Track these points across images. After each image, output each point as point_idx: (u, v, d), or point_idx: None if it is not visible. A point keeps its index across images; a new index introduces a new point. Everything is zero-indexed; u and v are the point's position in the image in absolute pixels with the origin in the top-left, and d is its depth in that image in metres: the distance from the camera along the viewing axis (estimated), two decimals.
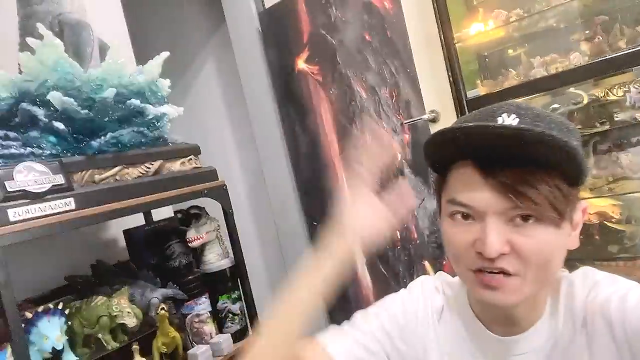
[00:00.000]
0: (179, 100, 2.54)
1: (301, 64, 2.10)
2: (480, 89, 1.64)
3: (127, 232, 1.32)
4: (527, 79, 1.53)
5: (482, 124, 0.49)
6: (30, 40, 0.90)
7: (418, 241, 1.86)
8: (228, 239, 1.30)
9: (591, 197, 1.48)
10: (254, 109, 2.29)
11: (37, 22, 0.94)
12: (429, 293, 0.65)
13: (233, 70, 2.37)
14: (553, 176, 0.48)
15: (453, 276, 0.67)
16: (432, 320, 0.62)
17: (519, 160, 0.48)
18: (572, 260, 0.54)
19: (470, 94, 1.62)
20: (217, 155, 2.46)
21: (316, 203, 2.15)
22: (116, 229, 1.38)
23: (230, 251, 1.31)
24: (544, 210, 0.48)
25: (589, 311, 0.52)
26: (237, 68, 2.31)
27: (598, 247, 1.51)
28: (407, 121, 1.80)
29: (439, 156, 0.55)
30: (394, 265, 1.93)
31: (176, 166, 1.19)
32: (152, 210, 1.43)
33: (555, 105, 1.56)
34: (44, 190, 0.89)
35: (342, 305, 2.14)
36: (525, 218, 0.49)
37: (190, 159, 1.22)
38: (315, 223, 2.17)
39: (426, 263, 1.86)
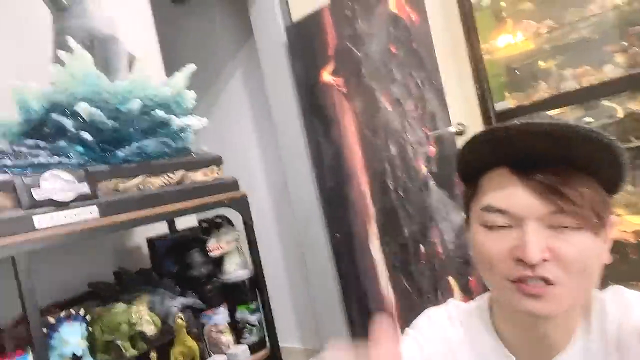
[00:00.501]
0: (206, 112, 2.60)
1: (326, 76, 2.11)
2: (510, 102, 1.61)
3: (150, 241, 1.35)
4: (558, 92, 1.48)
5: (527, 121, 0.47)
6: (61, 53, 0.94)
7: (443, 256, 1.81)
8: (248, 249, 1.31)
9: (627, 215, 1.41)
10: (279, 121, 2.31)
11: (69, 36, 0.98)
12: (439, 327, 0.61)
13: (260, 82, 2.41)
14: (591, 180, 0.47)
15: (465, 300, 0.64)
16: (449, 357, 0.58)
17: (558, 162, 0.47)
18: (606, 280, 0.52)
19: (499, 106, 1.58)
20: (242, 166, 2.49)
21: (339, 214, 2.14)
22: (140, 237, 1.40)
23: (250, 262, 1.31)
24: (585, 215, 0.46)
25: (623, 333, 0.50)
26: (264, 80, 2.35)
27: (634, 267, 1.43)
28: (432, 133, 1.78)
29: (474, 160, 0.53)
30: (417, 280, 1.89)
31: (198, 176, 1.20)
32: (177, 220, 1.46)
33: (589, 119, 1.51)
34: (69, 198, 0.92)
35: (365, 321, 2.11)
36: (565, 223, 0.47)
37: (213, 169, 1.24)
38: (338, 235, 2.16)
39: (451, 279, 1.80)
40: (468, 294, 1.74)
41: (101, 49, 1.09)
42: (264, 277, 1.30)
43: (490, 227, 0.50)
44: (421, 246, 1.86)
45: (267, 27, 2.28)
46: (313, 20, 2.11)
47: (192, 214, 1.21)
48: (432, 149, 1.80)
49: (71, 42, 0.95)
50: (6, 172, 0.87)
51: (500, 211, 0.49)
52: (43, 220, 0.87)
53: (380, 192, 1.98)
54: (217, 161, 1.28)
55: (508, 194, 0.49)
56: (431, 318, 0.62)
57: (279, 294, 2.47)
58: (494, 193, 0.50)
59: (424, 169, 1.83)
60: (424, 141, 1.82)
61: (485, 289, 0.57)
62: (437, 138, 1.77)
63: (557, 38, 1.59)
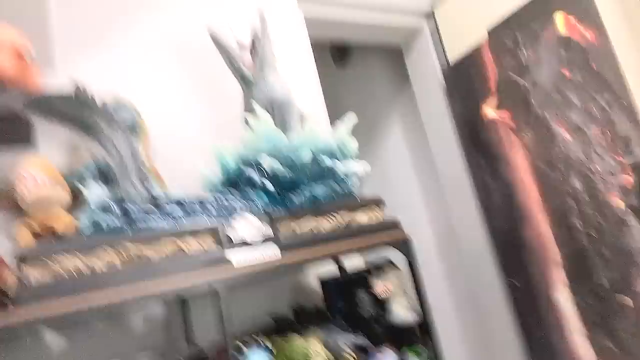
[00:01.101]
0: (369, 157, 2.72)
1: (490, 111, 2.02)
2: None
3: (321, 280, 1.44)
4: None
5: None
6: (248, 116, 1.14)
7: None
8: (414, 292, 1.29)
9: None
10: (441, 162, 2.28)
11: (254, 102, 1.19)
12: None
13: (418, 126, 2.44)
14: None
15: None
16: None
17: None
18: None
19: None
20: (405, 208, 2.50)
21: (514, 259, 1.95)
22: (311, 276, 1.52)
23: (417, 305, 1.28)
24: None
25: None
26: (422, 123, 2.37)
27: None
28: (628, 160, 1.51)
29: None
30: (623, 338, 1.56)
31: (362, 218, 1.26)
32: (345, 260, 1.53)
33: None
34: (256, 239, 1.06)
35: None
36: None
37: (375, 211, 1.28)
38: (517, 283, 1.94)
39: None
40: None
41: (279, 111, 1.27)
42: (431, 320, 1.25)
43: None
44: (624, 297, 1.55)
45: (424, 71, 2.33)
46: (471, 58, 2.07)
47: (356, 253, 1.27)
48: (628, 179, 1.53)
49: (256, 107, 1.15)
50: (210, 217, 1.07)
51: None
52: (236, 258, 1.02)
53: (565, 232, 1.75)
54: (379, 203, 1.32)
55: None
56: None
57: (450, 341, 2.32)
58: None
59: (619, 204, 1.56)
60: (616, 170, 1.56)
61: None
62: (634, 165, 1.50)
63: None
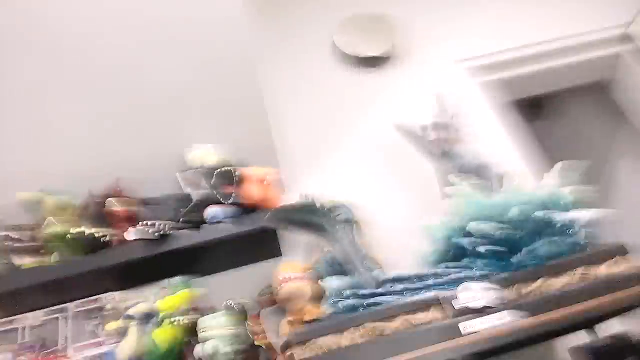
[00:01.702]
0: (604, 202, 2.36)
1: None
2: None
3: (573, 350, 1.26)
4: None
5: None
6: (447, 189, 1.21)
7: None
8: None
9: None
10: None
11: (450, 174, 1.26)
12: None
13: None
14: None
15: None
16: None
17: None
18: None
19: None
20: None
21: None
22: (561, 346, 1.34)
23: None
24: None
25: None
26: None
27: None
28: None
29: None
30: None
31: (603, 270, 1.10)
32: (598, 324, 1.32)
33: None
34: (481, 305, 1.05)
35: None
36: None
37: (618, 260, 1.11)
38: None
39: None
40: None
41: (477, 175, 1.30)
42: None
43: None
44: None
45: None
46: None
47: (606, 313, 1.09)
48: None
49: (452, 178, 1.21)
50: (430, 290, 1.12)
51: None
52: (466, 327, 1.02)
53: None
54: (621, 251, 1.14)
55: None
56: None
57: None
58: None
59: None
60: None
61: None
62: None
63: None
